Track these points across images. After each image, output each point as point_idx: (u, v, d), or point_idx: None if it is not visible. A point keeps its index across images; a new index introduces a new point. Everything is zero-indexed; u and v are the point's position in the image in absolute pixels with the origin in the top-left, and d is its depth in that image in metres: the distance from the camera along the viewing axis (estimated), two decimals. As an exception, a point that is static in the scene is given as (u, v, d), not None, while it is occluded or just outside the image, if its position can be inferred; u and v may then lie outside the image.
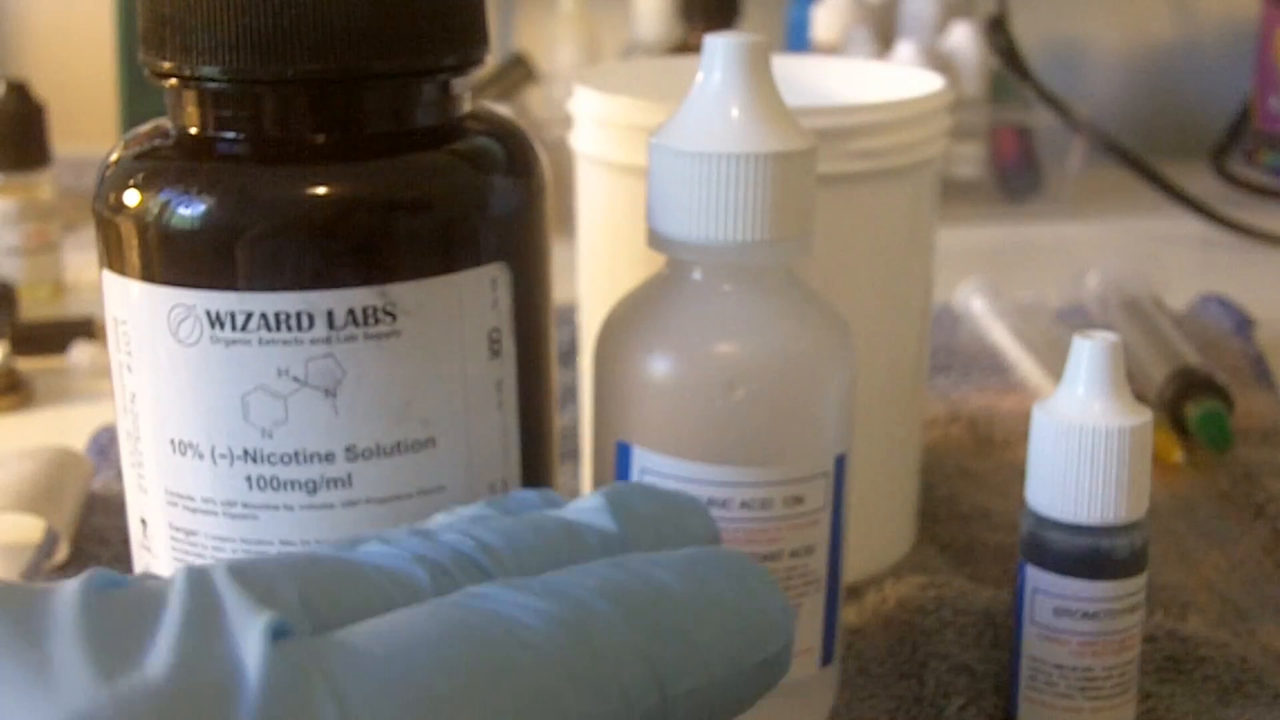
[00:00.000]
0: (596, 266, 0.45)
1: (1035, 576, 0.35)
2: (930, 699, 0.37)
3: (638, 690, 0.22)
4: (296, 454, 0.31)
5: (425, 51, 0.31)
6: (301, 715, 0.19)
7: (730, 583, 0.25)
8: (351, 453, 0.31)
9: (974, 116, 0.88)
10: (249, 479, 0.31)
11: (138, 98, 0.88)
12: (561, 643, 0.22)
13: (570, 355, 0.57)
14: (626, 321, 0.34)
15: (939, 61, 0.84)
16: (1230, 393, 0.55)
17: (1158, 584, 0.43)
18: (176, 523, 0.32)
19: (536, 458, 0.34)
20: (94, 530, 0.46)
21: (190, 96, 0.31)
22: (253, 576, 0.22)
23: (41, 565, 0.45)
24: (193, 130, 0.31)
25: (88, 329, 0.64)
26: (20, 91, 0.72)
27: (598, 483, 0.35)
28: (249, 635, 0.20)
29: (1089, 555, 0.34)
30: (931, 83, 0.44)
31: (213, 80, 0.30)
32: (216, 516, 0.31)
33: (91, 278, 0.34)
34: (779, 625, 0.25)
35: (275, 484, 0.31)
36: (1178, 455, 0.53)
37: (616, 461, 0.34)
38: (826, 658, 0.35)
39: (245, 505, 0.31)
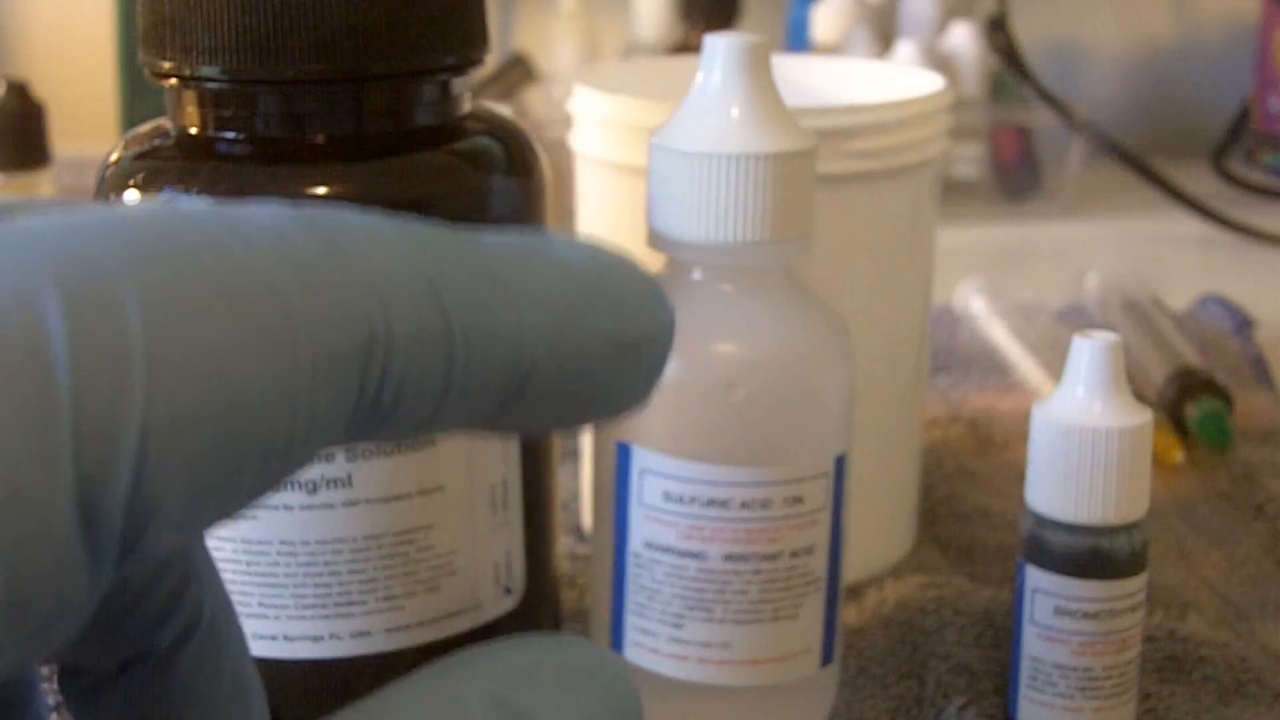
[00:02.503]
0: (596, 266, 0.45)
1: (1035, 576, 0.35)
2: (930, 699, 0.37)
3: (408, 301, 0.17)
4: (296, 454, 0.31)
5: (425, 51, 0.31)
6: None
7: (578, 250, 0.20)
8: (351, 453, 0.31)
9: (974, 116, 0.88)
10: (249, 479, 0.31)
11: (138, 98, 0.88)
12: (299, 239, 0.17)
13: (570, 355, 0.57)
14: (626, 321, 0.34)
15: (939, 61, 0.84)
16: (1230, 393, 0.55)
17: (1158, 584, 0.43)
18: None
19: (536, 458, 0.34)
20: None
21: (190, 96, 0.31)
22: None
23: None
24: (193, 130, 0.31)
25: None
26: (20, 91, 0.72)
27: (598, 483, 0.35)
28: None
29: (1089, 555, 0.34)
30: (931, 83, 0.44)
31: (213, 80, 0.30)
32: (216, 516, 0.31)
33: (91, 278, 0.34)
34: (641, 296, 0.20)
35: (275, 484, 0.31)
36: (1178, 455, 0.53)
37: (616, 461, 0.34)
38: (826, 658, 0.35)
39: (245, 505, 0.31)
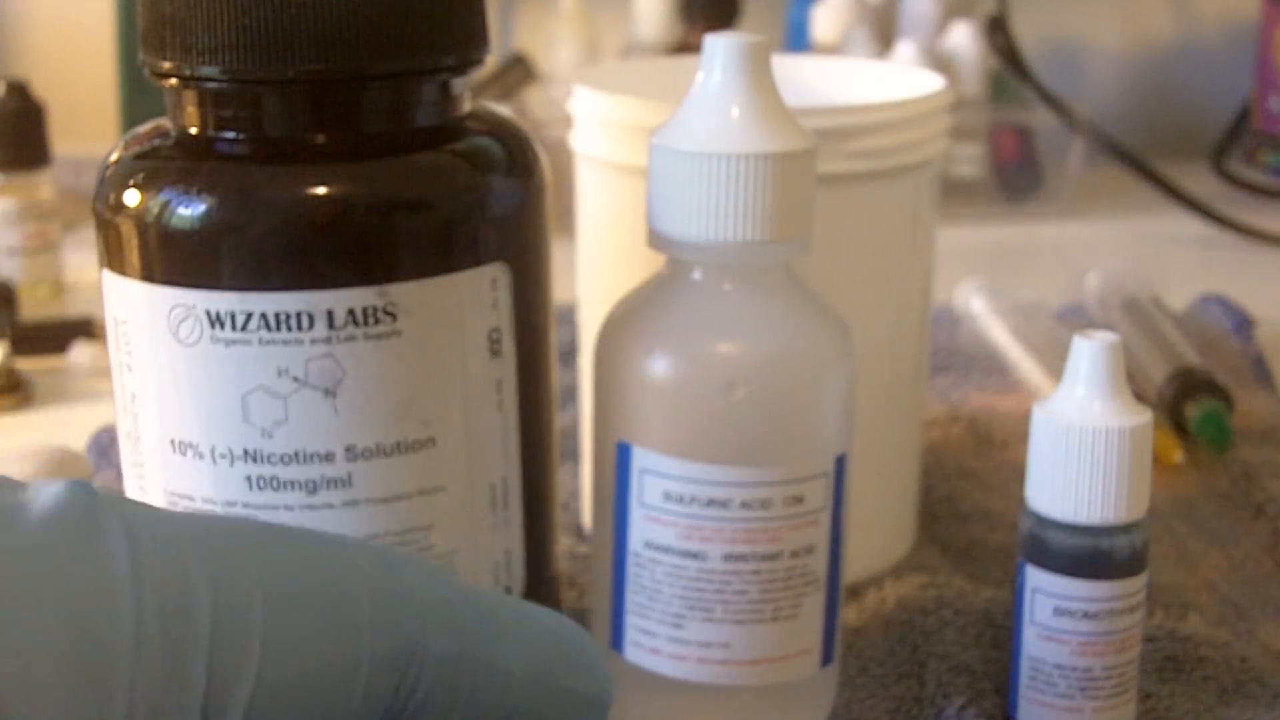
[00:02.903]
0: (596, 266, 0.45)
1: (1035, 576, 0.35)
2: (930, 699, 0.37)
3: (439, 623, 0.22)
4: (296, 454, 0.31)
5: (425, 51, 0.31)
6: (89, 529, 0.20)
7: (548, 614, 0.25)
8: (351, 453, 0.31)
9: (974, 116, 0.88)
10: (249, 479, 0.31)
11: (138, 98, 0.88)
12: (367, 564, 0.22)
13: (570, 355, 0.57)
14: (626, 321, 0.34)
15: (939, 61, 0.84)
16: (1230, 393, 0.55)
17: (1158, 584, 0.43)
18: (176, 523, 0.32)
19: (536, 458, 0.34)
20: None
21: (190, 96, 0.31)
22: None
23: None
24: (193, 130, 0.31)
25: (88, 329, 0.64)
26: (20, 91, 0.72)
27: (598, 483, 0.35)
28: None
29: (1089, 555, 0.34)
30: (931, 83, 0.44)
31: (213, 80, 0.30)
32: (216, 516, 0.31)
33: (91, 278, 0.34)
34: (594, 664, 0.25)
35: (275, 484, 0.31)
36: (1178, 455, 0.53)
37: (616, 461, 0.34)
38: (826, 658, 0.35)
39: (245, 505, 0.31)
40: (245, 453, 0.31)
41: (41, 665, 0.19)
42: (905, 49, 0.85)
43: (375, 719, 0.21)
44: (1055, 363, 0.58)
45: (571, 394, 0.55)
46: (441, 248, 0.31)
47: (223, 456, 0.31)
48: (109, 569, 0.20)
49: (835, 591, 0.35)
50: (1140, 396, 0.37)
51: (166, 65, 0.31)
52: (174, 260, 0.30)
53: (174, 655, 0.20)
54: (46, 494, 0.21)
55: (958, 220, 0.83)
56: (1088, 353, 0.34)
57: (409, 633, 0.22)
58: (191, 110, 0.31)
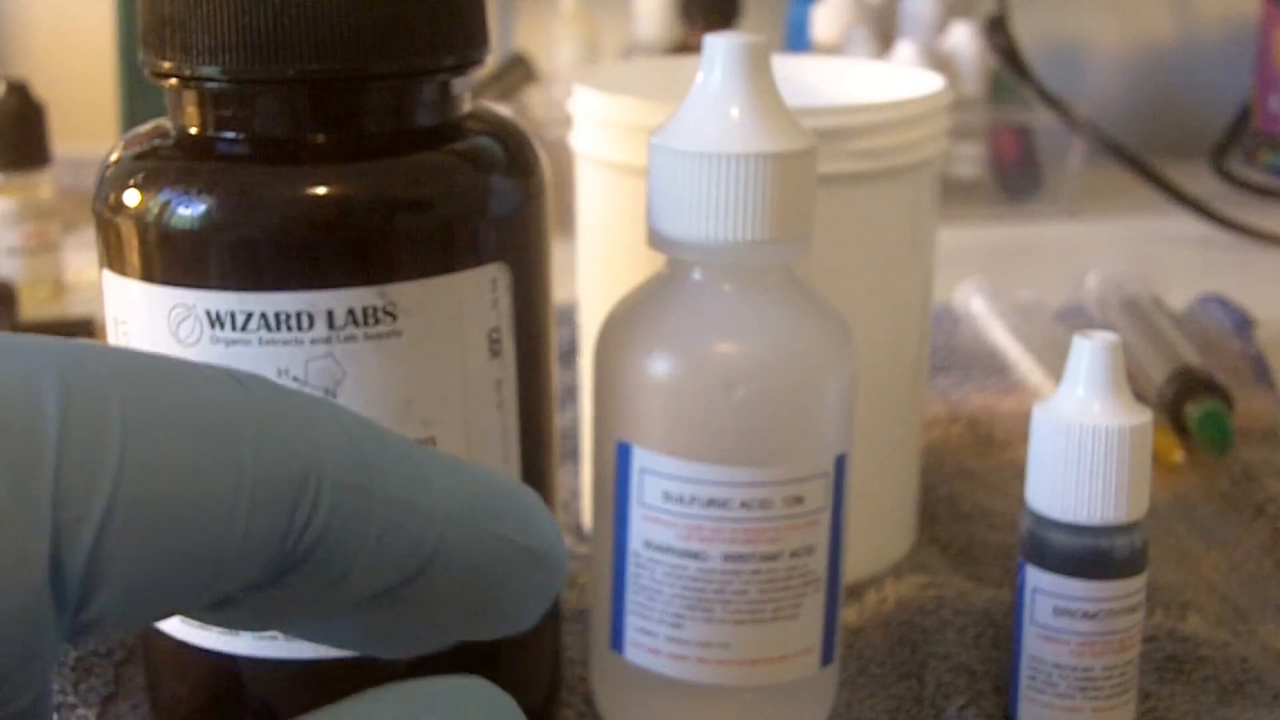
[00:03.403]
0: (596, 266, 0.45)
1: (1035, 576, 0.35)
2: (930, 699, 0.37)
3: (341, 459, 0.20)
4: (296, 454, 0.31)
5: (425, 51, 0.31)
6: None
7: (491, 471, 0.23)
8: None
9: (974, 116, 0.88)
10: (249, 479, 0.31)
11: (138, 98, 0.88)
12: (260, 391, 0.21)
13: (570, 355, 0.57)
14: (626, 321, 0.34)
15: (939, 61, 0.84)
16: (1230, 393, 0.55)
17: (1158, 584, 0.43)
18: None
19: (536, 458, 0.34)
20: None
21: (190, 96, 0.31)
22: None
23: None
24: (193, 130, 0.31)
25: (88, 329, 0.64)
26: (20, 91, 0.72)
27: (598, 483, 0.35)
28: None
29: (1089, 555, 0.34)
30: (931, 83, 0.44)
31: (213, 80, 0.30)
32: (216, 516, 0.31)
33: (91, 278, 0.34)
34: (536, 515, 0.23)
35: (275, 484, 0.31)
36: (1178, 455, 0.53)
37: (616, 461, 0.34)
38: (826, 658, 0.35)
39: (245, 505, 0.31)
40: (245, 453, 0.31)
41: None
42: (905, 49, 0.85)
43: (267, 546, 0.20)
44: (1055, 363, 0.58)
45: (571, 394, 0.55)
46: (441, 248, 0.31)
47: (223, 456, 0.31)
48: None
49: (835, 591, 0.35)
50: (1140, 396, 0.37)
51: (166, 65, 0.31)
52: (174, 260, 0.30)
53: (15, 464, 0.18)
54: None
55: (958, 220, 0.83)
56: (1088, 353, 0.34)
57: (303, 457, 0.20)
58: (191, 110, 0.31)
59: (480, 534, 0.22)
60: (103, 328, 0.33)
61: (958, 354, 0.64)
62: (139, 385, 0.19)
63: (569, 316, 0.53)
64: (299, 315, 0.30)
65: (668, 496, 0.33)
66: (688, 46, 0.88)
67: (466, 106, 0.33)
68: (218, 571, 0.20)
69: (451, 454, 0.22)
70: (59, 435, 0.18)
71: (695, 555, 0.33)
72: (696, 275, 0.33)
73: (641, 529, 0.34)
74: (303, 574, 0.20)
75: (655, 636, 0.34)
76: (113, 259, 0.31)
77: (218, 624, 0.22)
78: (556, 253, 0.35)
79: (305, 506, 0.20)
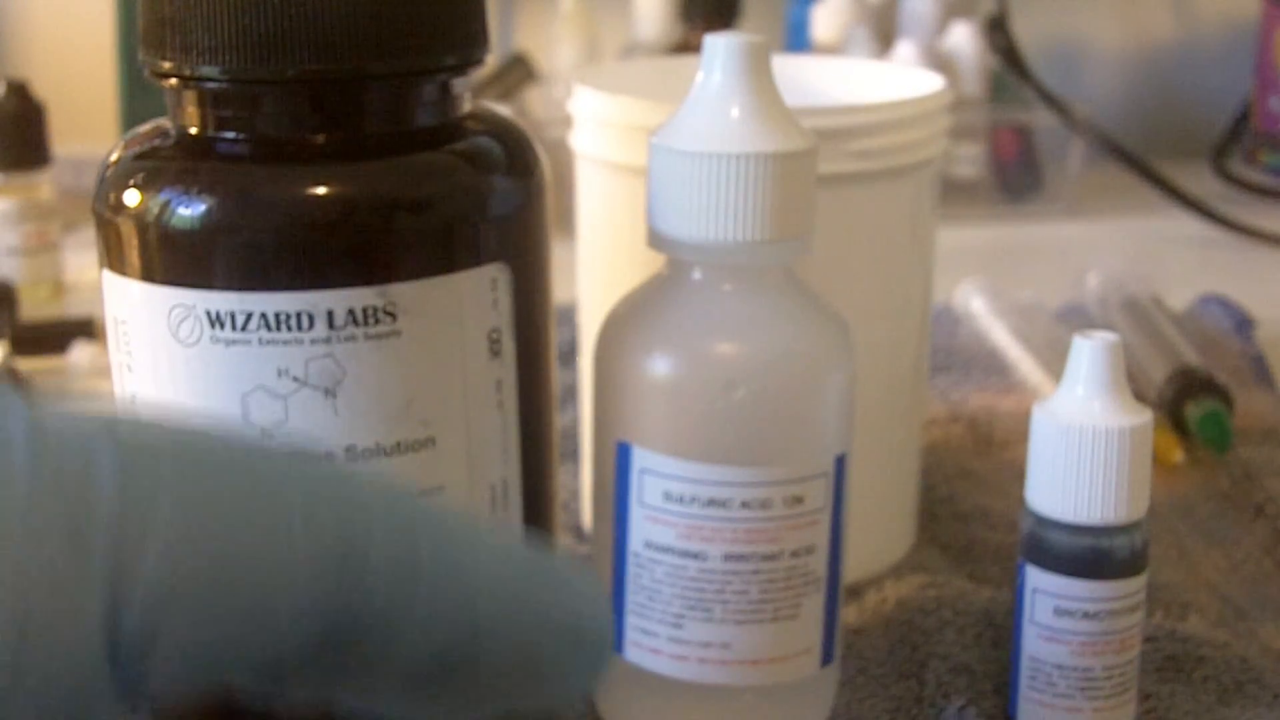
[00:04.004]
0: (596, 266, 0.45)
1: (1035, 576, 0.35)
2: (930, 699, 0.37)
3: (390, 531, 0.20)
4: (296, 454, 0.31)
5: (425, 51, 0.31)
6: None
7: (536, 547, 0.22)
8: (351, 453, 0.31)
9: (974, 116, 0.88)
10: (249, 479, 0.31)
11: (138, 98, 0.88)
12: (304, 463, 0.21)
13: (570, 355, 0.57)
14: (626, 321, 0.34)
15: (939, 61, 0.84)
16: (1230, 393, 0.55)
17: (1158, 584, 0.43)
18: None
19: (536, 458, 0.34)
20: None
21: (190, 96, 0.31)
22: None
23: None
24: (193, 130, 0.31)
25: (88, 329, 0.64)
26: (20, 91, 0.72)
27: (598, 483, 0.35)
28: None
29: (1089, 555, 0.34)
30: (931, 83, 0.44)
31: (213, 80, 0.30)
32: (216, 516, 0.31)
33: (91, 278, 0.34)
34: (585, 594, 0.22)
35: (275, 484, 0.31)
36: (1178, 455, 0.53)
37: (616, 461, 0.34)
38: (826, 658, 0.35)
39: (245, 505, 0.31)
40: (245, 453, 0.31)
41: None
42: (905, 49, 0.85)
43: (316, 612, 0.20)
44: (1055, 363, 0.58)
45: (571, 394, 0.55)
46: (441, 248, 0.31)
47: (223, 456, 0.31)
48: (7, 450, 0.18)
49: (835, 591, 0.35)
50: (1140, 396, 0.37)
51: (166, 65, 0.31)
52: (174, 260, 0.30)
53: (72, 534, 0.18)
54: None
55: (958, 220, 0.83)
56: (1088, 353, 0.34)
57: (352, 527, 0.20)
58: (191, 110, 0.31)
59: (527, 610, 0.22)
60: (103, 328, 0.33)
61: (958, 354, 0.64)
62: (191, 451, 0.20)
63: (569, 316, 0.53)
64: (299, 315, 0.30)
65: (668, 496, 0.33)
66: (688, 46, 0.88)
67: (466, 106, 0.33)
68: (269, 638, 0.20)
69: (498, 526, 0.23)
70: (113, 499, 0.18)
71: (695, 555, 0.33)
72: (696, 275, 0.33)
73: (641, 529, 0.34)
74: (351, 644, 0.20)
75: (655, 636, 0.34)
76: (113, 259, 0.31)
77: (268, 703, 0.22)
78: (556, 253, 0.35)
79: (354, 575, 0.20)
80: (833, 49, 0.89)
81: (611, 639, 0.23)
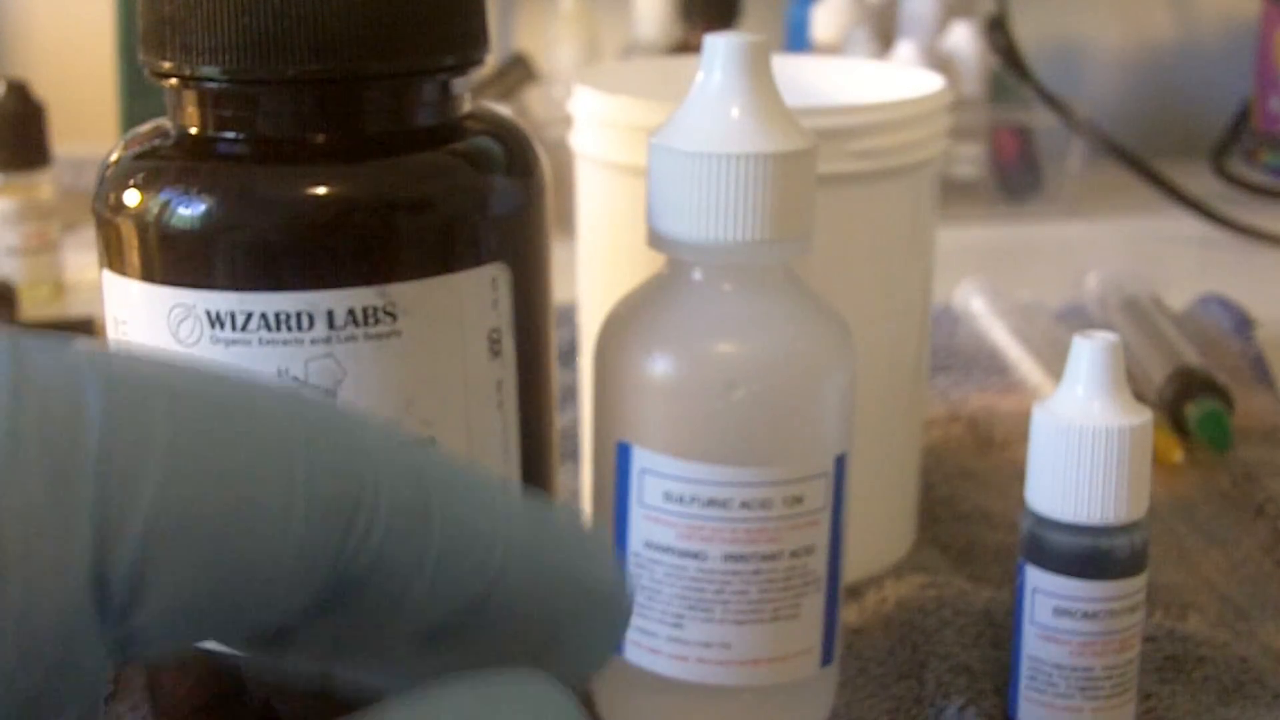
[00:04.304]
0: (596, 266, 0.45)
1: (1035, 576, 0.35)
2: (930, 699, 0.37)
3: (398, 477, 0.19)
4: (296, 454, 0.31)
5: (425, 51, 0.31)
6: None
7: (570, 513, 0.22)
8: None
9: (974, 116, 0.88)
10: (249, 479, 0.31)
11: (138, 98, 0.88)
12: (315, 407, 0.20)
13: (570, 355, 0.57)
14: (626, 321, 0.34)
15: (939, 61, 0.84)
16: (1230, 393, 0.55)
17: (1158, 584, 0.43)
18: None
19: (536, 458, 0.34)
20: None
21: (190, 96, 0.31)
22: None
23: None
24: (193, 130, 0.31)
25: (88, 329, 0.64)
26: (20, 91, 0.72)
27: (598, 483, 0.35)
28: None
29: (1089, 555, 0.34)
30: (931, 83, 0.44)
31: (213, 80, 0.30)
32: (216, 516, 0.31)
33: (91, 278, 0.34)
34: (602, 553, 0.21)
35: (275, 484, 0.31)
36: (1178, 455, 0.53)
37: (616, 461, 0.34)
38: (826, 658, 0.35)
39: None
40: (245, 453, 0.31)
41: None
42: (905, 49, 0.85)
43: (321, 566, 0.19)
44: (1055, 363, 0.58)
45: (571, 394, 0.55)
46: (441, 247, 0.31)
47: (223, 456, 0.31)
48: None
49: (835, 591, 0.35)
50: (1140, 396, 0.37)
51: (166, 65, 0.31)
52: (174, 260, 0.30)
53: (54, 475, 0.17)
54: None
55: (958, 220, 0.83)
56: (1088, 353, 0.34)
57: (358, 473, 0.19)
58: (191, 110, 0.31)
59: (542, 566, 0.20)
60: (103, 328, 0.33)
61: (958, 354, 0.64)
62: (186, 389, 0.18)
63: (569, 316, 0.53)
64: (299, 315, 0.30)
65: (668, 496, 0.33)
66: (688, 46, 0.88)
67: (466, 106, 0.33)
68: (269, 590, 0.19)
69: (516, 485, 0.21)
70: (101, 436, 0.17)
71: (695, 555, 0.33)
72: (696, 275, 0.33)
73: (641, 529, 0.34)
74: (358, 600, 0.19)
75: (655, 636, 0.34)
76: (113, 259, 0.31)
77: (275, 666, 0.20)
78: (556, 253, 0.35)
79: (360, 525, 0.19)
80: (833, 49, 0.89)
81: (630, 604, 0.22)
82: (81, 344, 0.19)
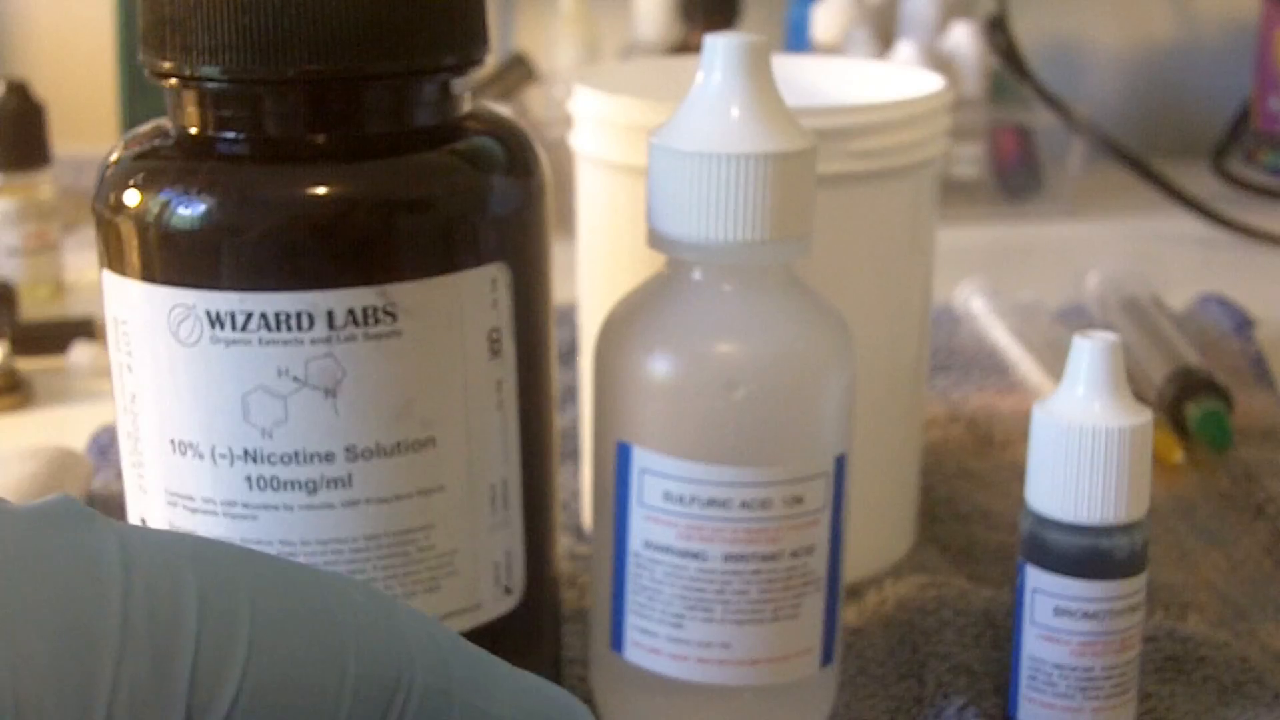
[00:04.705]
0: (596, 266, 0.45)
1: (1035, 576, 0.35)
2: (930, 699, 0.37)
3: (429, 665, 0.23)
4: (296, 454, 0.31)
5: (425, 51, 0.31)
6: (82, 526, 0.21)
7: (543, 682, 0.25)
8: (351, 453, 0.31)
9: (974, 116, 0.88)
10: (249, 479, 0.31)
11: (138, 98, 0.88)
12: (360, 596, 0.23)
13: (570, 355, 0.57)
14: (626, 321, 0.34)
15: (939, 61, 0.84)
16: (1230, 393, 0.55)
17: (1158, 584, 0.43)
18: (177, 523, 0.32)
19: (536, 458, 0.34)
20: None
21: (190, 96, 0.31)
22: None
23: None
24: (193, 130, 0.31)
25: (88, 329, 0.64)
26: (20, 91, 0.72)
27: (598, 483, 0.35)
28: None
29: (1089, 555, 0.34)
30: (931, 83, 0.44)
31: (213, 80, 0.30)
32: (217, 516, 0.31)
33: (91, 278, 0.34)
34: None
35: (275, 484, 0.31)
36: (1178, 455, 0.53)
37: (616, 461, 0.34)
38: (826, 658, 0.35)
39: (245, 505, 0.31)
40: (245, 453, 0.31)
41: (29, 642, 0.19)
42: (905, 49, 0.85)
43: None
44: (1055, 363, 0.58)
45: (571, 394, 0.55)
46: (441, 248, 0.31)
47: (223, 456, 0.31)
48: (100, 562, 0.20)
49: (835, 591, 0.35)
50: (1140, 396, 0.37)
51: (166, 65, 0.31)
52: (174, 260, 0.30)
53: (159, 651, 0.20)
54: (38, 502, 0.21)
55: (958, 220, 0.83)
56: (1088, 353, 0.34)
57: (397, 661, 0.22)
58: (191, 110, 0.31)
59: None
60: (103, 328, 0.33)
61: (958, 354, 0.64)
62: (264, 585, 0.22)
63: (569, 316, 0.53)
64: (299, 315, 0.30)
65: (668, 496, 0.33)
66: (688, 46, 0.88)
67: (466, 106, 0.33)
68: None
69: (510, 665, 0.25)
70: (197, 627, 0.20)
71: (695, 555, 0.33)
72: (696, 275, 0.33)
73: (641, 529, 0.34)
74: None
75: (655, 636, 0.34)
76: (113, 259, 0.31)
77: None
78: (556, 253, 0.35)
79: (398, 704, 0.22)
80: (833, 49, 0.89)
81: None
82: (174, 536, 0.22)
